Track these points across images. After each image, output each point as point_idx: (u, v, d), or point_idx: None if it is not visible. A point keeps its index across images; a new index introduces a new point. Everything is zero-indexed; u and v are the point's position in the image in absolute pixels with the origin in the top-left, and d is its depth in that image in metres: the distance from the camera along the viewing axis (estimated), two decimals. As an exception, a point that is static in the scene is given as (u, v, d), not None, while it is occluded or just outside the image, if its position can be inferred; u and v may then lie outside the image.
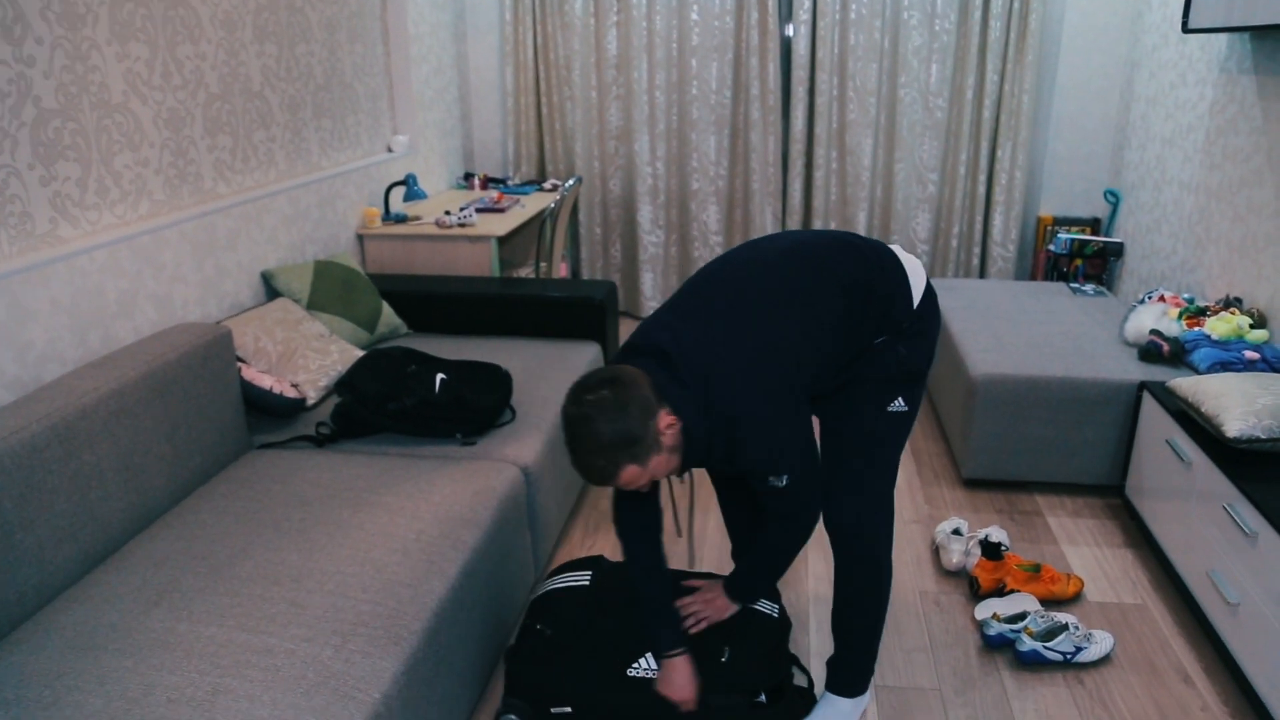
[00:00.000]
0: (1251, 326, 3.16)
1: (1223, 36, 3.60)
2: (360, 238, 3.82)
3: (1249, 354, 3.01)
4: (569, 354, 3.14)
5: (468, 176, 4.89)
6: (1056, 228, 4.83)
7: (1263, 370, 2.98)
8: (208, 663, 1.58)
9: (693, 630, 1.99)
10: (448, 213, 3.87)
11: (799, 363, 1.71)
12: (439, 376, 2.56)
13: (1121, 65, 4.64)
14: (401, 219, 3.90)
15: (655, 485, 1.89)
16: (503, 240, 3.82)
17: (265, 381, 2.49)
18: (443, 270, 3.78)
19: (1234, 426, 2.43)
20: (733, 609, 2.03)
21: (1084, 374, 3.07)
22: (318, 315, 3.04)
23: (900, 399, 1.89)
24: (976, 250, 4.84)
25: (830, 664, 2.11)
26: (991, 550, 2.60)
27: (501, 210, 4.11)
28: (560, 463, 2.73)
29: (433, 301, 3.41)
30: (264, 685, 1.53)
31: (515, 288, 3.42)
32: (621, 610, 2.03)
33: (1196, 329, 3.23)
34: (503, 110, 5.07)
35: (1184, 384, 2.72)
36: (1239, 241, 3.42)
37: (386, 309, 3.30)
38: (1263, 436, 2.41)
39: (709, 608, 2.03)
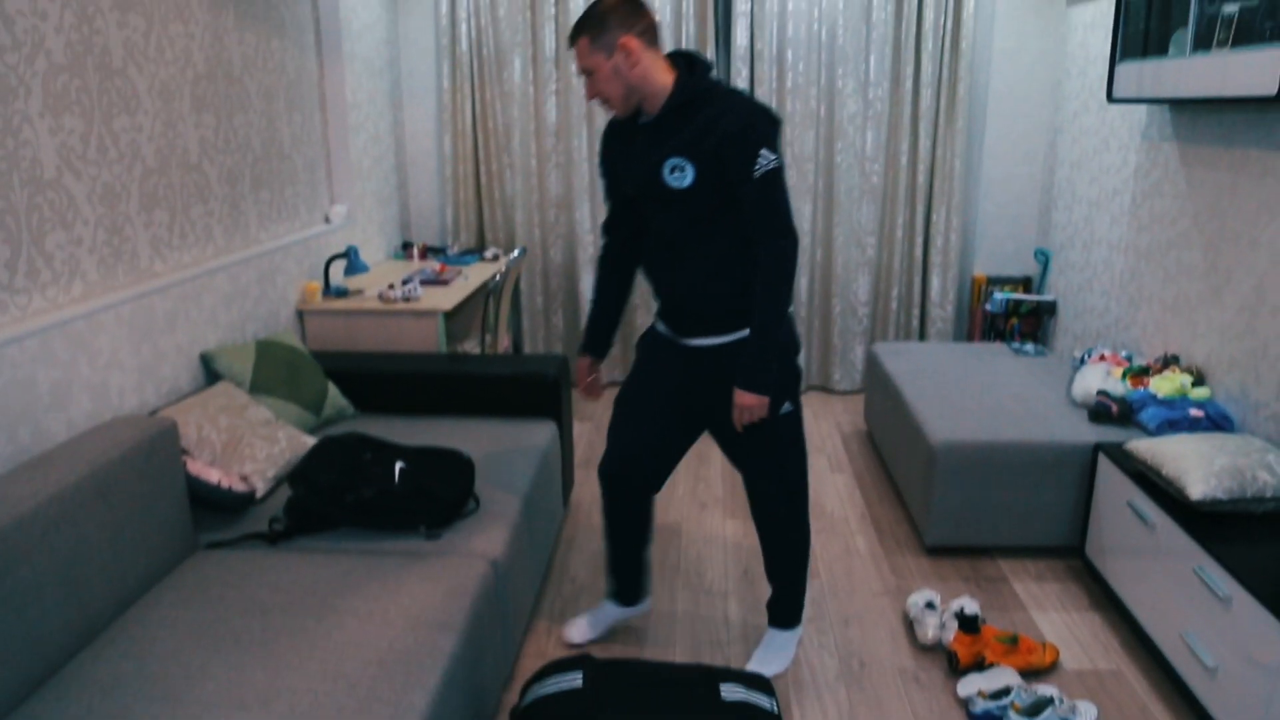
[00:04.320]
0: (1193, 384, 3.25)
1: (1143, 106, 3.75)
2: (301, 314, 3.67)
3: (1194, 412, 3.09)
4: (524, 434, 3.05)
5: (406, 246, 4.79)
6: (991, 287, 4.94)
7: (1207, 428, 3.05)
8: (174, 804, 1.43)
9: (740, 429, 2.30)
10: (391, 286, 3.76)
11: None
12: (398, 465, 2.43)
13: (1044, 130, 4.81)
14: (343, 293, 3.78)
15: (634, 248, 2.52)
16: (449, 314, 3.73)
17: (213, 475, 2.34)
18: (387, 346, 3.66)
19: (1196, 489, 2.46)
20: (761, 401, 2.23)
21: (1039, 437, 3.10)
22: (262, 399, 2.89)
23: (786, 402, 2.36)
24: (916, 312, 4.92)
25: (771, 605, 2.65)
26: (969, 624, 2.57)
27: (445, 283, 4.02)
28: (526, 550, 2.63)
29: (380, 381, 3.28)
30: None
31: (465, 365, 3.32)
32: (625, 711, 1.93)
33: (1142, 388, 3.30)
34: (441, 178, 5.00)
35: (1141, 447, 2.76)
36: (1172, 300, 3.53)
37: (333, 390, 3.16)
38: (1224, 498, 2.45)
39: (743, 414, 2.25)
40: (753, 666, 2.60)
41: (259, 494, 2.53)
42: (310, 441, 2.80)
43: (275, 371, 3.00)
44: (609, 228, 2.55)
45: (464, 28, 4.67)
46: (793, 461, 2.42)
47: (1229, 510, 2.46)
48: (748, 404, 2.22)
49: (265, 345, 3.09)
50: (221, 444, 2.54)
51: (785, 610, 2.64)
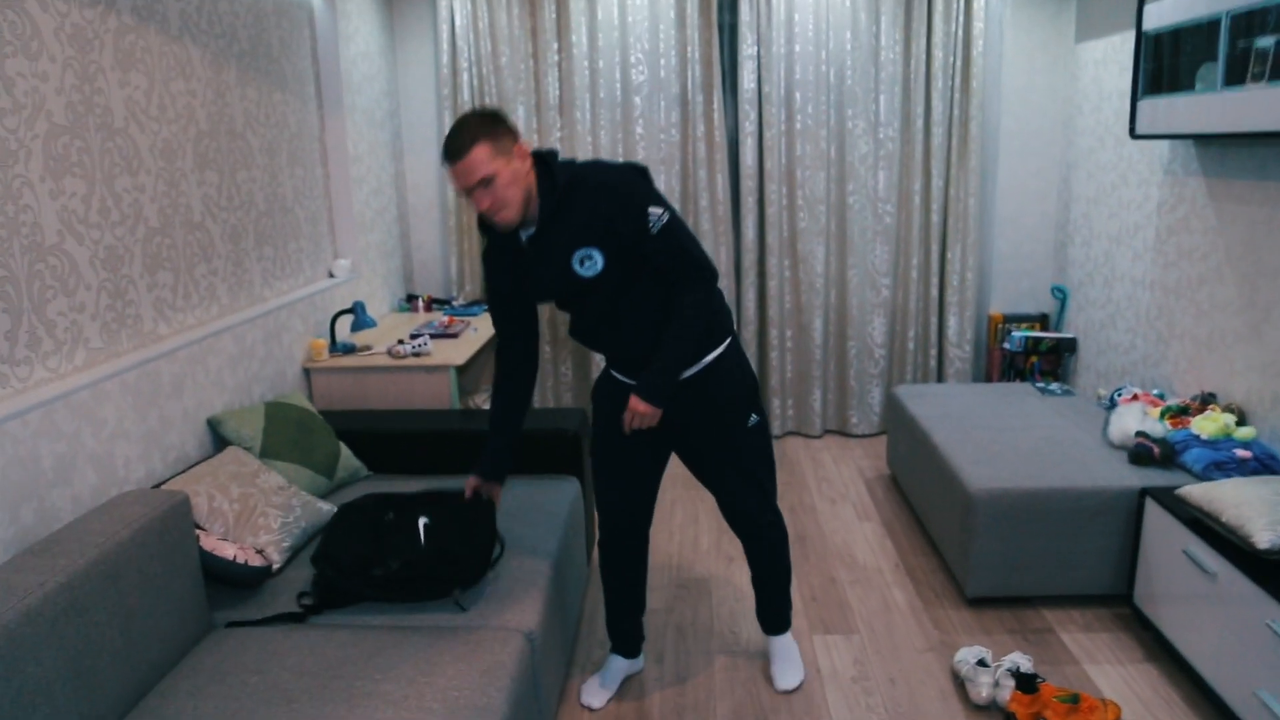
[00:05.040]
0: (1236, 424, 3.14)
1: (1164, 141, 3.69)
2: (307, 372, 3.55)
3: (1240, 452, 2.98)
4: (547, 492, 2.92)
5: (410, 298, 4.68)
6: (1007, 325, 4.85)
7: (1256, 469, 2.95)
8: None
9: (628, 430, 2.31)
10: (401, 342, 3.65)
11: None
12: (421, 521, 2.31)
13: (1057, 167, 4.75)
14: (350, 349, 3.66)
15: (533, 353, 2.45)
16: (460, 368, 3.62)
17: (228, 551, 2.21)
18: (398, 403, 3.53)
19: (1264, 537, 2.35)
20: (655, 411, 2.27)
21: (1081, 483, 2.99)
22: (273, 464, 2.76)
23: (754, 415, 2.46)
24: (933, 352, 4.82)
25: (768, 614, 2.74)
26: (1026, 683, 2.44)
27: (454, 335, 3.91)
28: (557, 618, 2.49)
29: (392, 440, 3.16)
30: None
31: (479, 421, 3.20)
32: None
33: (1183, 429, 3.20)
34: (444, 229, 4.91)
35: (1195, 492, 2.65)
36: (1206, 337, 3.44)
37: (345, 451, 3.03)
38: (1293, 545, 2.34)
39: (636, 416, 2.27)
40: (782, 684, 2.70)
41: (275, 566, 2.39)
42: (326, 508, 2.66)
43: (285, 434, 2.87)
44: (504, 346, 2.43)
45: (465, 77, 4.61)
46: (764, 469, 2.52)
47: (1298, 558, 2.35)
48: (642, 410, 2.26)
49: (274, 407, 2.96)
50: (234, 515, 2.40)
51: (783, 613, 2.75)
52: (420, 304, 4.59)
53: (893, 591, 3.23)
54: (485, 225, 2.27)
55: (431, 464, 3.16)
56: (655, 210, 2.17)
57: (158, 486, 2.39)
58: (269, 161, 3.40)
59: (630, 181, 2.18)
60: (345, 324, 3.99)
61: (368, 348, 3.71)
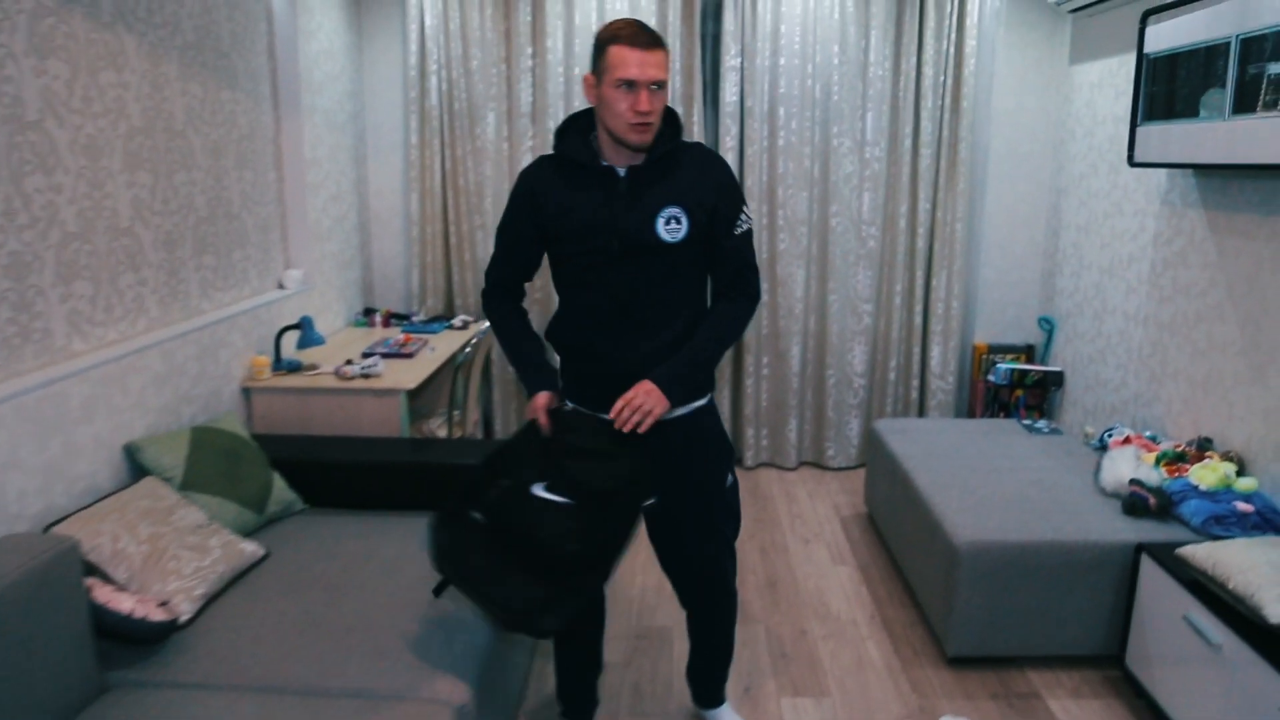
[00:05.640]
0: (1236, 473, 2.95)
1: (1161, 170, 3.51)
2: (247, 392, 3.30)
3: (1241, 505, 2.79)
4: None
5: (368, 312, 4.43)
6: (992, 356, 4.66)
7: (1257, 523, 2.76)
8: None
9: (640, 429, 1.98)
10: (349, 362, 3.40)
11: None
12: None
13: (1047, 193, 4.58)
14: (295, 367, 3.41)
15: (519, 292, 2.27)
16: (412, 392, 3.39)
17: (124, 604, 1.95)
18: (344, 429, 3.28)
19: (1276, 610, 2.14)
20: (663, 405, 2.01)
21: (1073, 536, 2.78)
22: (194, 497, 2.50)
23: (731, 475, 2.31)
24: (915, 384, 4.62)
25: (710, 685, 2.53)
26: (1013, 762, 2.22)
27: (409, 355, 3.67)
28: (498, 682, 2.25)
29: (333, 471, 2.91)
30: None
31: (431, 452, 2.96)
32: None
33: (1180, 477, 3.01)
34: (407, 239, 4.66)
35: (1199, 553, 2.45)
36: (1203, 378, 3.25)
37: (278, 482, 2.79)
38: (1306, 618, 2.14)
39: (648, 399, 1.99)
40: None
41: (183, 619, 2.14)
42: (250, 549, 2.41)
43: (212, 463, 2.62)
44: (505, 287, 2.25)
45: (434, 80, 4.38)
46: (733, 531, 2.36)
47: (1310, 632, 2.15)
48: (652, 398, 2.00)
49: (202, 433, 2.71)
50: (141, 558, 2.15)
51: (723, 684, 2.57)
52: (378, 319, 4.35)
53: (868, 647, 3.01)
54: (555, 157, 2.10)
55: (376, 498, 2.91)
56: (747, 211, 2.15)
57: (53, 525, 2.14)
58: (213, 163, 3.16)
59: (734, 174, 2.19)
60: (293, 340, 3.74)
61: (314, 366, 3.46)
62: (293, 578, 2.36)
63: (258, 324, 3.42)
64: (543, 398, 2.12)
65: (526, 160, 4.41)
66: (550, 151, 2.13)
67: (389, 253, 4.72)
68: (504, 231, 2.19)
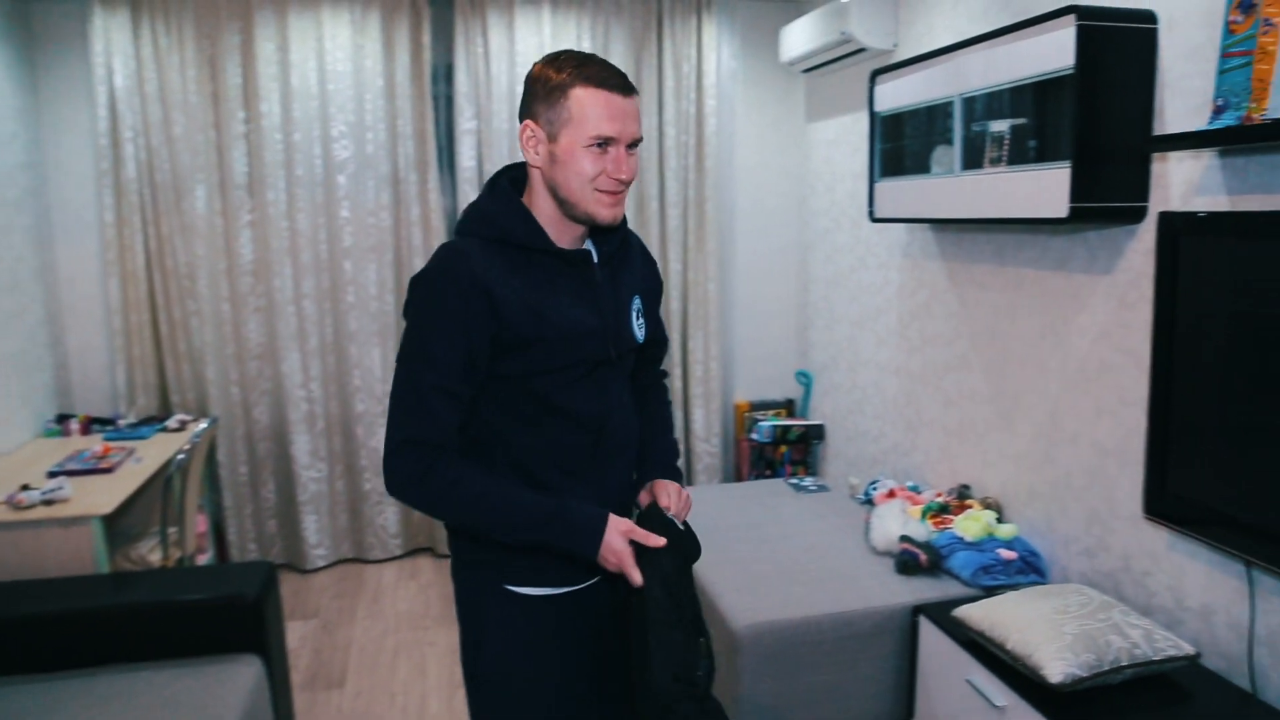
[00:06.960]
0: (996, 520, 2.99)
1: (901, 224, 3.59)
2: (-121, 538, 2.65)
3: (1004, 553, 2.82)
4: (213, 683, 2.23)
5: (62, 419, 3.78)
6: (754, 414, 4.63)
7: (1020, 568, 2.79)
8: None
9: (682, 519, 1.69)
10: (25, 487, 2.82)
11: None
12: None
13: (795, 248, 4.63)
14: (-50, 500, 2.78)
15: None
16: (111, 516, 2.85)
17: None
18: (24, 571, 2.69)
19: (1055, 669, 2.10)
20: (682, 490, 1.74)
21: (852, 605, 2.69)
22: None
23: None
24: (681, 449, 4.50)
25: None
26: None
27: (109, 470, 3.11)
28: None
29: (11, 628, 2.34)
30: None
31: (133, 590, 2.46)
32: None
33: (946, 529, 3.00)
34: (109, 331, 4.03)
35: (974, 614, 2.39)
36: (956, 426, 3.30)
37: (-86, 656, 2.20)
38: (1085, 674, 2.11)
39: (675, 502, 1.70)
40: None
41: None
42: None
43: None
44: (451, 443, 1.54)
45: (129, 149, 3.85)
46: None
47: (1090, 685, 2.11)
48: (681, 496, 1.74)
49: None
50: None
51: None
52: (75, 426, 3.71)
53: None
54: (493, 240, 1.55)
55: (66, 657, 2.36)
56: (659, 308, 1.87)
57: None
58: None
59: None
60: (-48, 462, 3.08)
61: (-22, 495, 2.85)
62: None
63: (-105, 451, 2.77)
64: (623, 524, 1.56)
65: (245, 237, 3.96)
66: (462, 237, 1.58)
67: (88, 347, 4.08)
68: (442, 355, 1.49)
